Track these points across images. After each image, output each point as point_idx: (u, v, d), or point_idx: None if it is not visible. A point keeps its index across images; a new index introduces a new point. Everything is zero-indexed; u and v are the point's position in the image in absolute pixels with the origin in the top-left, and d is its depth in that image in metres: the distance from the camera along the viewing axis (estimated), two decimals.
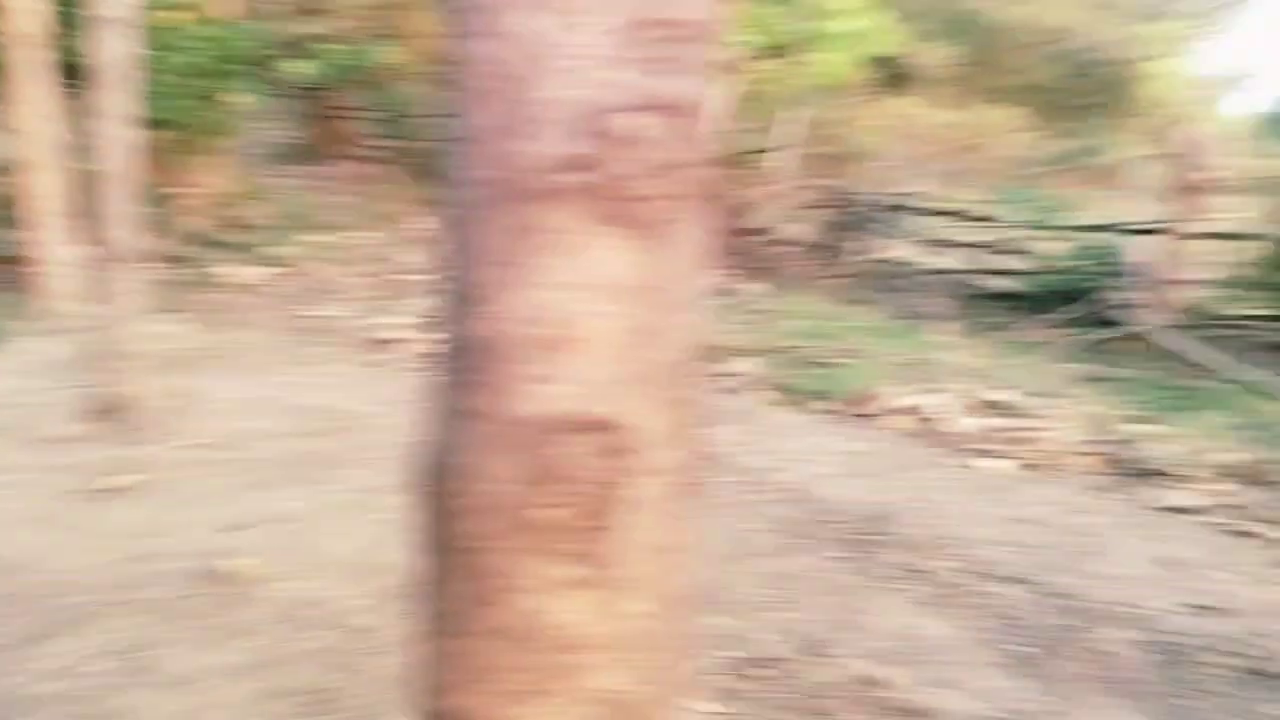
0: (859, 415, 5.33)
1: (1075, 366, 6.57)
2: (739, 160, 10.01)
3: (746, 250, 9.11)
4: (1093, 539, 3.91)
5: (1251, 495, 4.48)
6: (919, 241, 9.54)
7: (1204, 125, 11.46)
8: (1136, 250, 7.77)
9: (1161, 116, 12.44)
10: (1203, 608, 3.37)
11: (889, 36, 9.31)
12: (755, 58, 9.55)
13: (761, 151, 10.10)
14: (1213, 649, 3.07)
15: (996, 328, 7.53)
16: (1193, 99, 13.61)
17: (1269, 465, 4.74)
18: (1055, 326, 7.33)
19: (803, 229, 9.83)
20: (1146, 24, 13.97)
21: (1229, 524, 4.20)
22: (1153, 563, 3.74)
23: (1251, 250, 7.75)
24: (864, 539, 3.69)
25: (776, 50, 9.40)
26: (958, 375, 5.81)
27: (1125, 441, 4.91)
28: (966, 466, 4.69)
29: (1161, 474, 4.64)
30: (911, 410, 5.28)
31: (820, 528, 3.77)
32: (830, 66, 8.86)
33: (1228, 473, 4.66)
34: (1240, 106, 16.31)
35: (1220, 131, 12.19)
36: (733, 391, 5.64)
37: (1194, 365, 6.58)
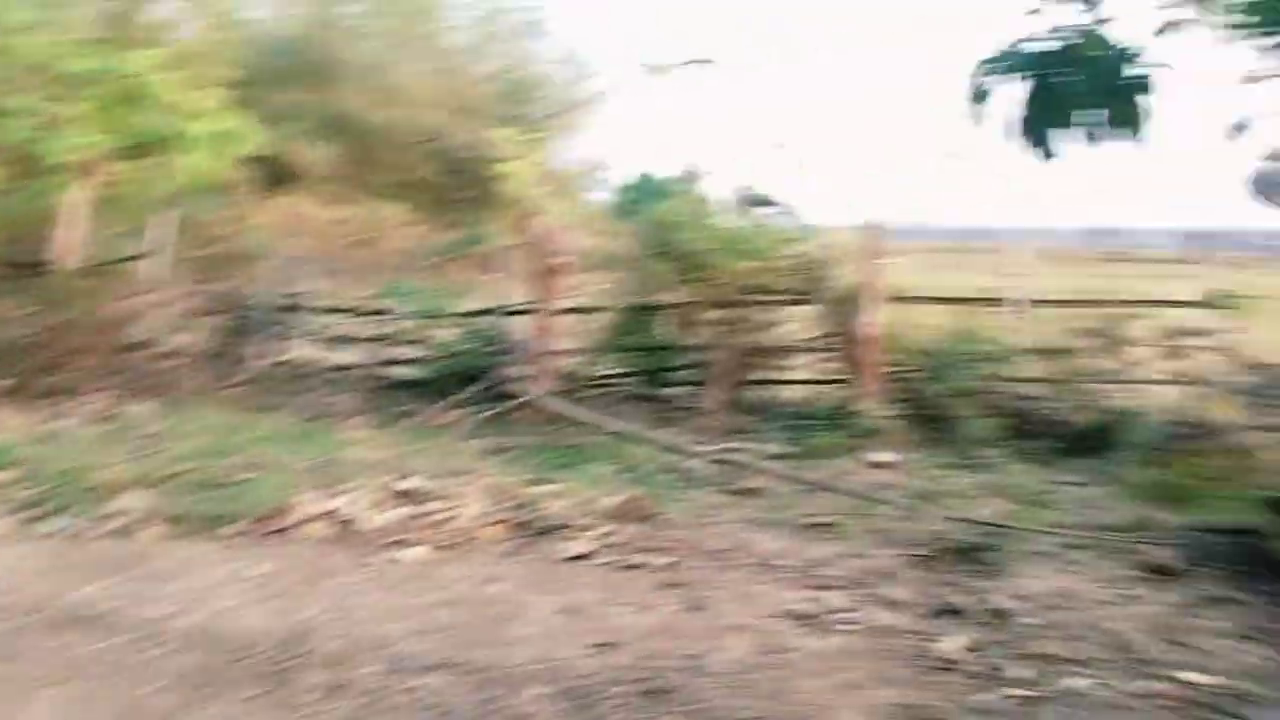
0: (273, 532, 5.03)
1: (479, 442, 7.00)
2: (106, 270, 9.00)
3: (127, 368, 8.18)
4: (506, 605, 4.14)
5: (631, 531, 5.14)
6: (319, 340, 9.47)
7: (557, 214, 13.19)
8: (516, 329, 8.62)
9: (522, 208, 14.07)
10: (603, 645, 3.75)
11: (255, 137, 9.18)
12: (112, 159, 8.72)
13: (134, 258, 9.19)
14: (615, 681, 3.42)
15: (406, 416, 7.73)
16: (548, 191, 15.62)
17: (641, 502, 5.51)
18: (458, 407, 7.76)
19: (193, 338, 9.13)
20: (501, 127, 15.74)
21: (618, 561, 4.77)
22: (559, 614, 4.07)
23: (605, 319, 9.05)
24: (281, 668, 3.45)
25: (136, 151, 8.70)
26: (371, 470, 5.81)
27: (526, 504, 5.33)
28: (387, 561, 4.69)
29: (560, 528, 5.12)
30: (327, 515, 5.14)
31: (233, 667, 3.44)
32: (197, 167, 8.47)
33: (611, 515, 5.31)
34: (596, 194, 19.14)
35: (575, 218, 14.12)
36: (120, 534, 4.95)
37: (577, 425, 7.44)
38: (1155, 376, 7.43)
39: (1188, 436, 6.59)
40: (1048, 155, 3.01)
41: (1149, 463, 6.40)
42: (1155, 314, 7.51)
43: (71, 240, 8.70)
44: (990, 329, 7.91)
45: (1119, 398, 7.32)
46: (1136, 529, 5.31)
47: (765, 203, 9.00)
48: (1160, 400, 7.22)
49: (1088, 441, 7.01)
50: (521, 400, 7.91)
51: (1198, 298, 7.42)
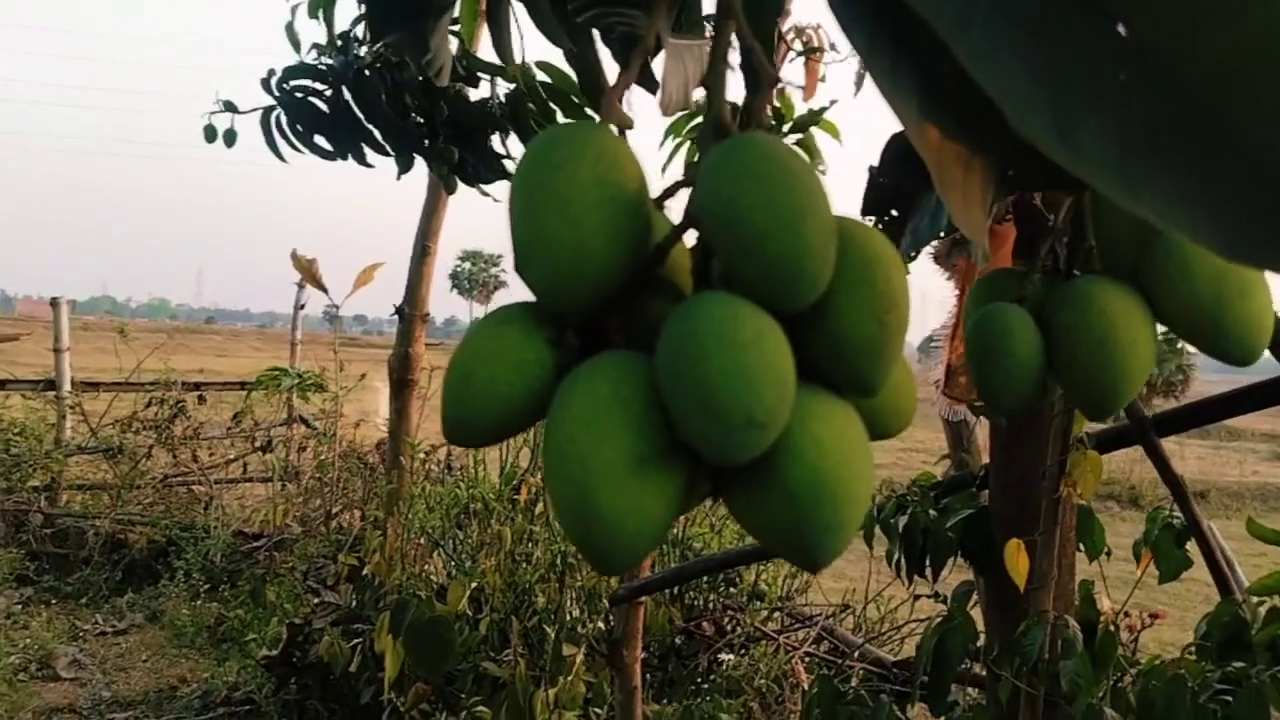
0: None
1: None
2: None
3: None
4: None
5: None
6: None
7: None
8: None
9: None
10: None
11: None
12: None
13: None
14: None
15: None
16: None
17: None
18: None
19: None
20: None
21: None
22: None
23: None
24: None
25: None
26: None
27: None
28: None
29: None
30: None
31: None
32: None
33: None
34: None
35: None
36: None
37: None
38: (236, 474, 6.33)
39: (256, 551, 5.53)
40: None
41: (210, 591, 5.22)
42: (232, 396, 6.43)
43: None
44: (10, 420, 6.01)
45: (192, 507, 6.02)
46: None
47: None
48: (239, 506, 6.12)
49: (151, 569, 5.59)
50: None
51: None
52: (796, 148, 0.32)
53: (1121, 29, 0.27)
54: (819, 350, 0.33)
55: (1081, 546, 1.72)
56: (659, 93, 0.43)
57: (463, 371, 0.35)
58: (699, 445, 0.30)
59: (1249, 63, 0.27)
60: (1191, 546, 1.75)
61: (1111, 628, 1.61)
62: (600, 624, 3.10)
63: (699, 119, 2.77)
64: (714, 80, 0.35)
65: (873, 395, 0.34)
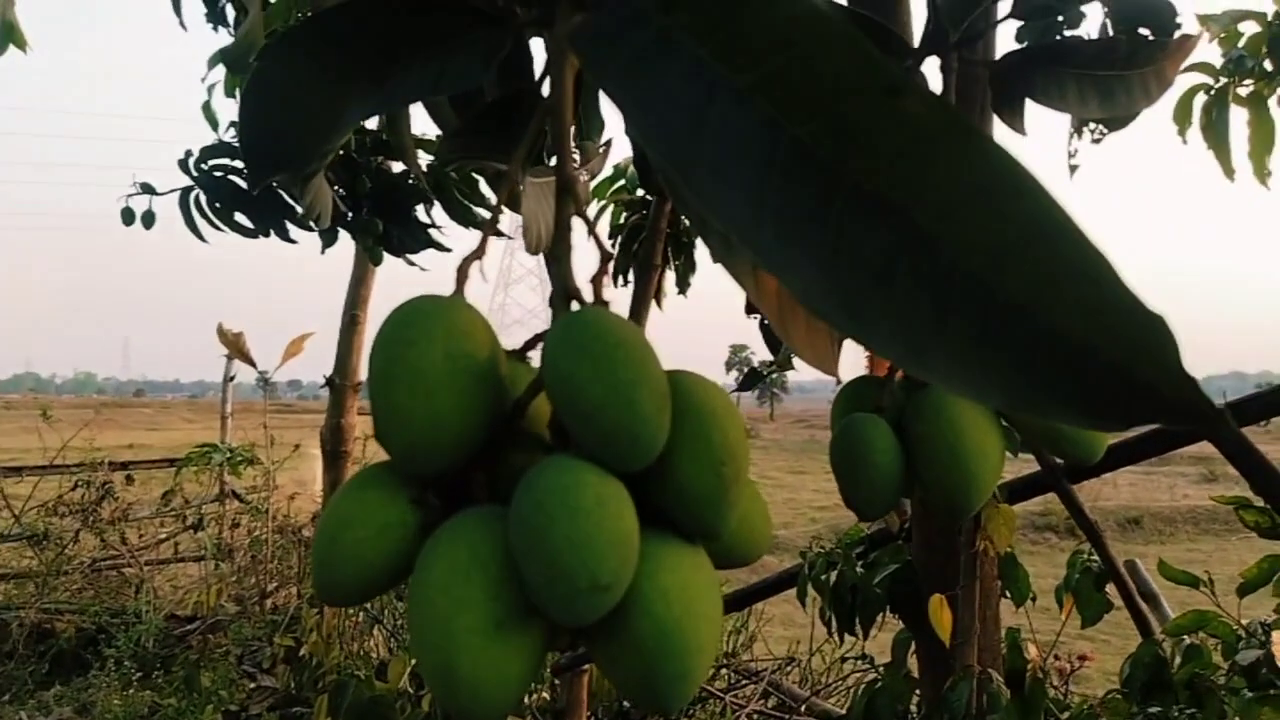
0: None
1: None
2: None
3: None
4: None
5: None
6: None
7: None
8: None
9: None
10: None
11: None
12: None
13: None
14: None
15: None
16: None
17: None
18: None
19: None
20: None
21: None
22: None
23: None
24: None
25: None
26: None
27: None
28: None
29: None
30: None
31: None
32: None
33: None
34: None
35: None
36: None
37: None
38: (167, 555, 6.14)
39: (189, 634, 5.36)
40: None
41: (143, 679, 5.03)
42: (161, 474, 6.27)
43: None
44: None
45: (122, 591, 5.83)
46: None
47: None
48: (171, 588, 5.94)
49: (80, 659, 5.37)
50: None
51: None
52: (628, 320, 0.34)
53: (906, 219, 0.30)
54: (664, 501, 0.35)
55: (1007, 594, 1.76)
56: (523, 235, 0.45)
57: (328, 537, 0.36)
58: (548, 609, 0.32)
59: (1021, 244, 0.30)
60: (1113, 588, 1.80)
61: (1039, 674, 1.65)
62: (544, 694, 3.06)
63: (620, 182, 2.85)
64: (559, 249, 0.38)
65: (718, 540, 0.36)
